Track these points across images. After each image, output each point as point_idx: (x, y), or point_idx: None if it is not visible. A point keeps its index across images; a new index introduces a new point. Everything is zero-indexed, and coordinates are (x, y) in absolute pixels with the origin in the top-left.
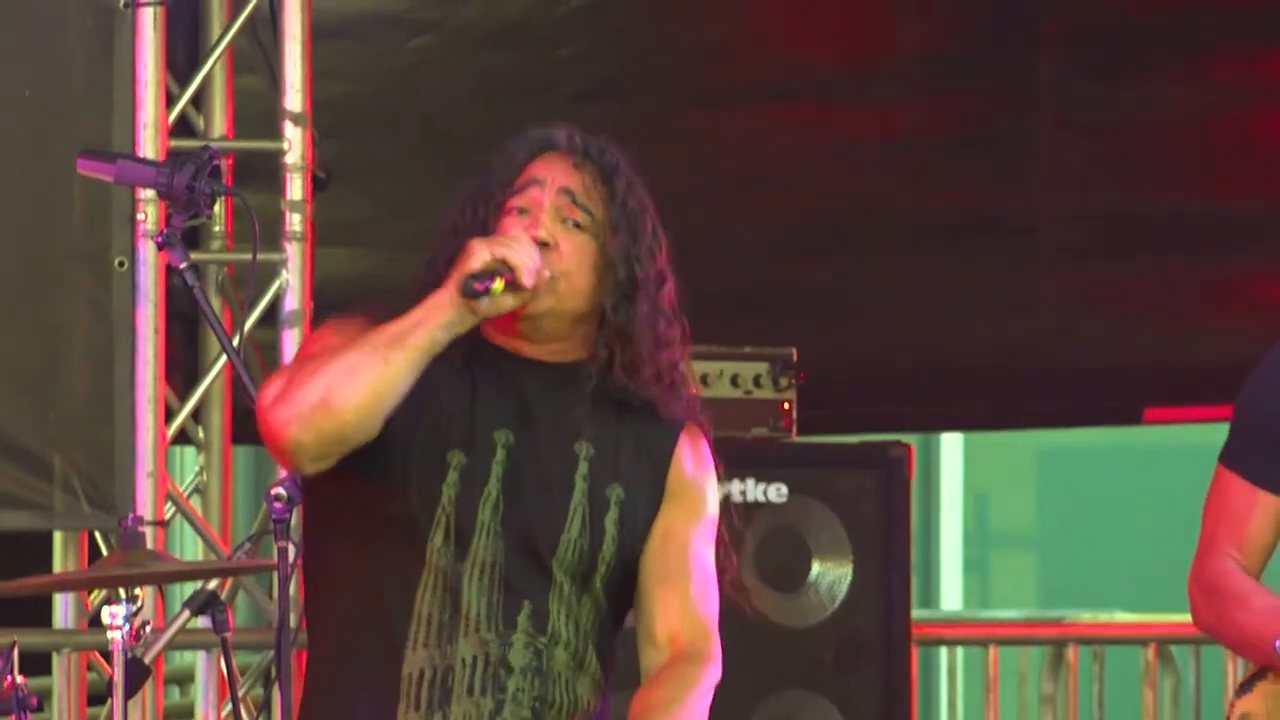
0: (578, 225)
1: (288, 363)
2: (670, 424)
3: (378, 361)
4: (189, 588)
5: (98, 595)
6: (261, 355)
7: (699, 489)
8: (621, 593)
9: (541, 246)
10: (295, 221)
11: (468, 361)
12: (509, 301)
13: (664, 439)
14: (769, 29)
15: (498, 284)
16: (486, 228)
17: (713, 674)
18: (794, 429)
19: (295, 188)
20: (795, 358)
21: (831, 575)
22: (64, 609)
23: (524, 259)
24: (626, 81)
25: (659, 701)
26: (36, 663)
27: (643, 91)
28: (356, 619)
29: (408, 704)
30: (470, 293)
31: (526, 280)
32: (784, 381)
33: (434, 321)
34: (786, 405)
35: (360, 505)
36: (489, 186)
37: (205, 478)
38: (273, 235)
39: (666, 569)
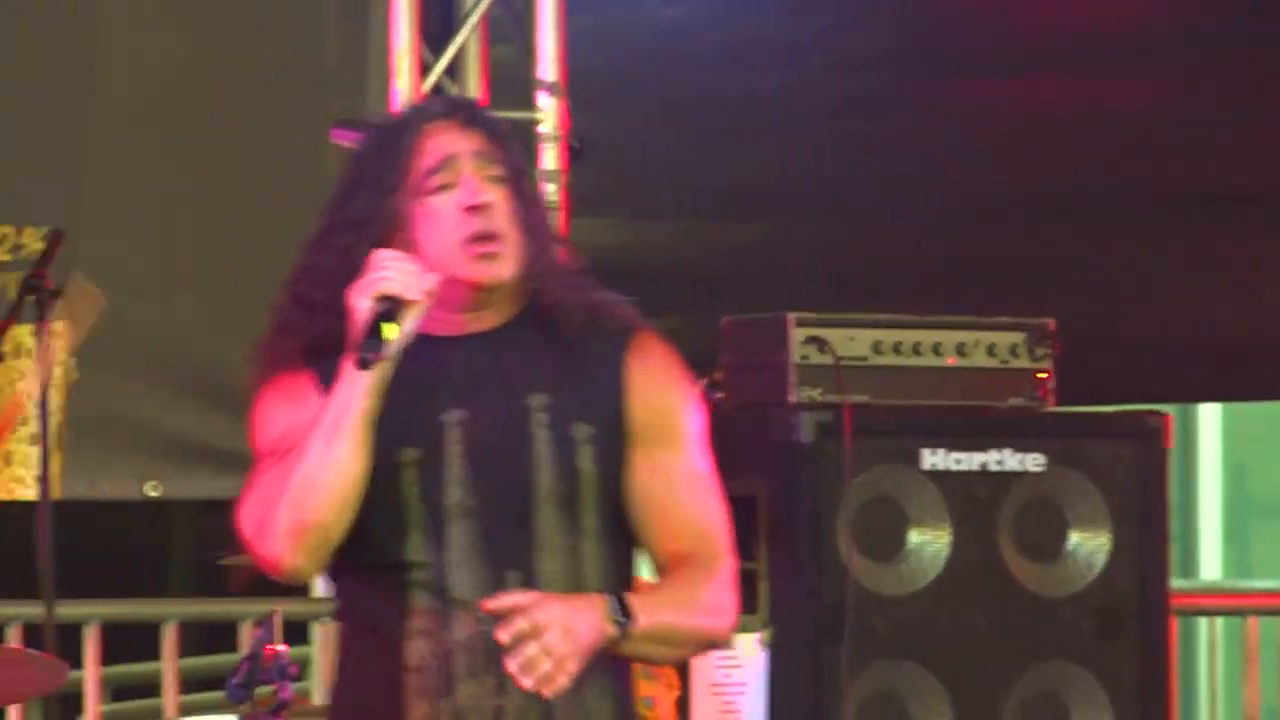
0: (498, 179)
1: (254, 478)
2: (613, 348)
3: (326, 462)
4: None
5: None
6: None
7: (665, 406)
8: (618, 528)
9: (485, 209)
10: (550, 191)
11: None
12: (410, 325)
13: (612, 369)
14: None
15: (387, 331)
16: (399, 216)
17: (718, 570)
18: (1051, 399)
19: (549, 157)
20: (1053, 327)
21: (1089, 545)
22: (324, 578)
23: (399, 281)
24: (883, 51)
25: (656, 589)
26: (296, 631)
27: (900, 61)
28: (359, 616)
29: (414, 692)
30: (367, 365)
31: (413, 295)
32: (1041, 351)
33: (356, 397)
34: (1043, 375)
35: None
36: (385, 175)
37: None
38: None
39: (656, 502)
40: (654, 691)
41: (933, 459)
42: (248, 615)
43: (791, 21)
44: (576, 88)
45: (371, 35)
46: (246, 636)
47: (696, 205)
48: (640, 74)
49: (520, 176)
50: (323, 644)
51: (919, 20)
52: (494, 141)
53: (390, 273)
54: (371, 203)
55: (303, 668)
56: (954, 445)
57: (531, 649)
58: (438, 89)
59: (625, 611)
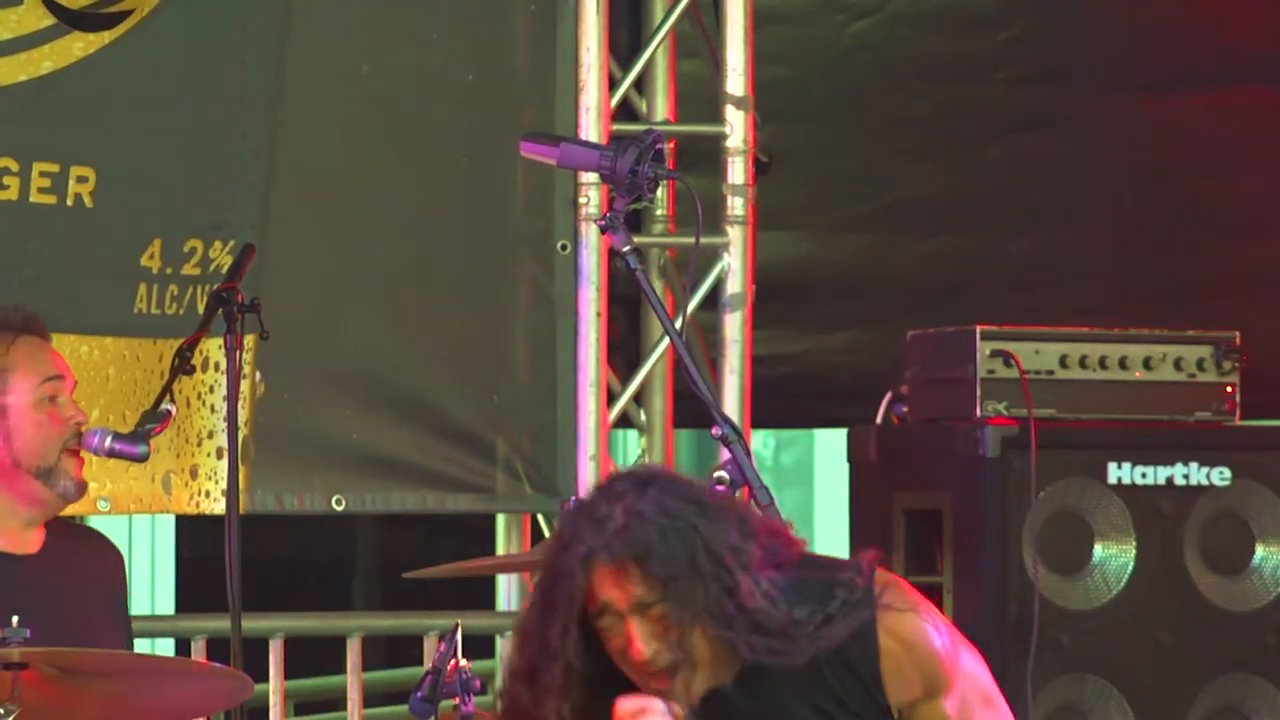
0: (663, 617)
1: None
2: (860, 642)
3: None
4: None
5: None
6: (704, 338)
7: (920, 677)
8: None
9: (655, 663)
10: (737, 205)
11: None
12: None
13: (862, 649)
14: (1213, 12)
15: None
16: (585, 666)
17: None
18: (1238, 412)
19: (737, 171)
20: (1239, 341)
21: (1275, 559)
22: (507, 592)
23: None
24: (1066, 65)
25: None
26: (480, 645)
27: (1083, 75)
28: None
29: None
30: None
31: None
32: (1228, 365)
33: None
34: (1230, 389)
35: None
36: (567, 608)
37: (647, 460)
38: (714, 219)
39: None
40: None
41: (1118, 473)
42: (432, 629)
43: (976, 35)
44: (764, 102)
45: (560, 49)
46: (430, 650)
47: (883, 219)
48: (829, 88)
49: (685, 592)
50: (506, 657)
51: (1106, 34)
52: (650, 575)
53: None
54: (564, 635)
55: (486, 682)
56: (1140, 459)
57: None
58: (626, 103)
59: None
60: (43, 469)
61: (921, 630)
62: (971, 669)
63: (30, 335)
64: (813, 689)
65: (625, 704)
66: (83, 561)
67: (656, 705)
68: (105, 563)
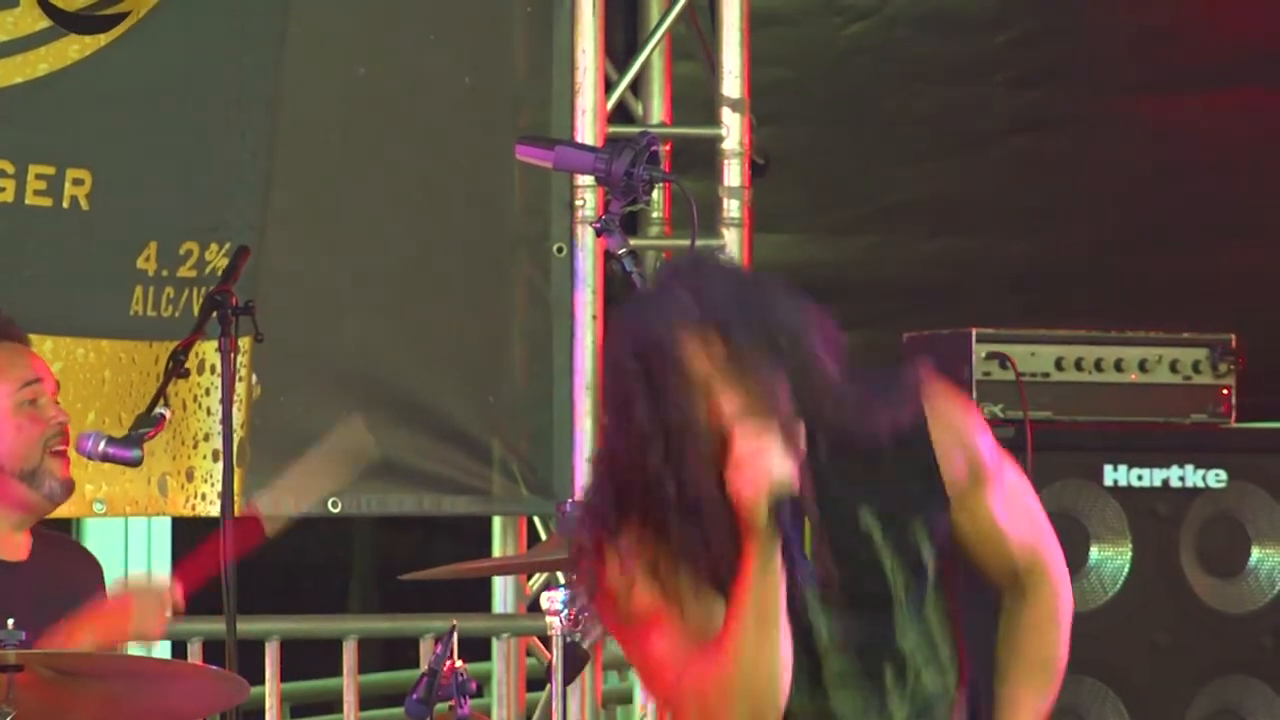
0: (751, 379)
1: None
2: (914, 428)
3: (770, 650)
4: None
5: (537, 580)
6: None
7: (966, 451)
8: (950, 574)
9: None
10: (733, 207)
11: None
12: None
13: (920, 450)
14: (1213, 14)
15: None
16: (701, 427)
17: (1045, 592)
18: (1233, 415)
19: (733, 174)
20: (1235, 343)
21: (1271, 561)
22: (503, 594)
23: (782, 466)
24: (1065, 67)
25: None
26: (476, 647)
27: (1082, 77)
28: None
29: None
30: (814, 580)
31: (794, 476)
32: (1223, 367)
33: (773, 578)
34: (1226, 391)
35: None
36: (688, 406)
37: None
38: (710, 221)
39: (980, 544)
40: None
41: (1114, 475)
42: (428, 631)
43: (974, 37)
44: (762, 104)
45: (556, 52)
46: (427, 652)
47: (882, 221)
48: (826, 90)
49: (768, 360)
50: (503, 659)
51: (1106, 34)
52: (733, 342)
53: (773, 461)
54: (692, 406)
55: (482, 684)
56: (1136, 461)
57: None
58: (622, 105)
59: None
60: (26, 472)
61: (965, 414)
62: (1012, 469)
63: (7, 341)
64: (879, 476)
65: (744, 442)
66: (69, 570)
67: (773, 440)
68: (88, 574)
